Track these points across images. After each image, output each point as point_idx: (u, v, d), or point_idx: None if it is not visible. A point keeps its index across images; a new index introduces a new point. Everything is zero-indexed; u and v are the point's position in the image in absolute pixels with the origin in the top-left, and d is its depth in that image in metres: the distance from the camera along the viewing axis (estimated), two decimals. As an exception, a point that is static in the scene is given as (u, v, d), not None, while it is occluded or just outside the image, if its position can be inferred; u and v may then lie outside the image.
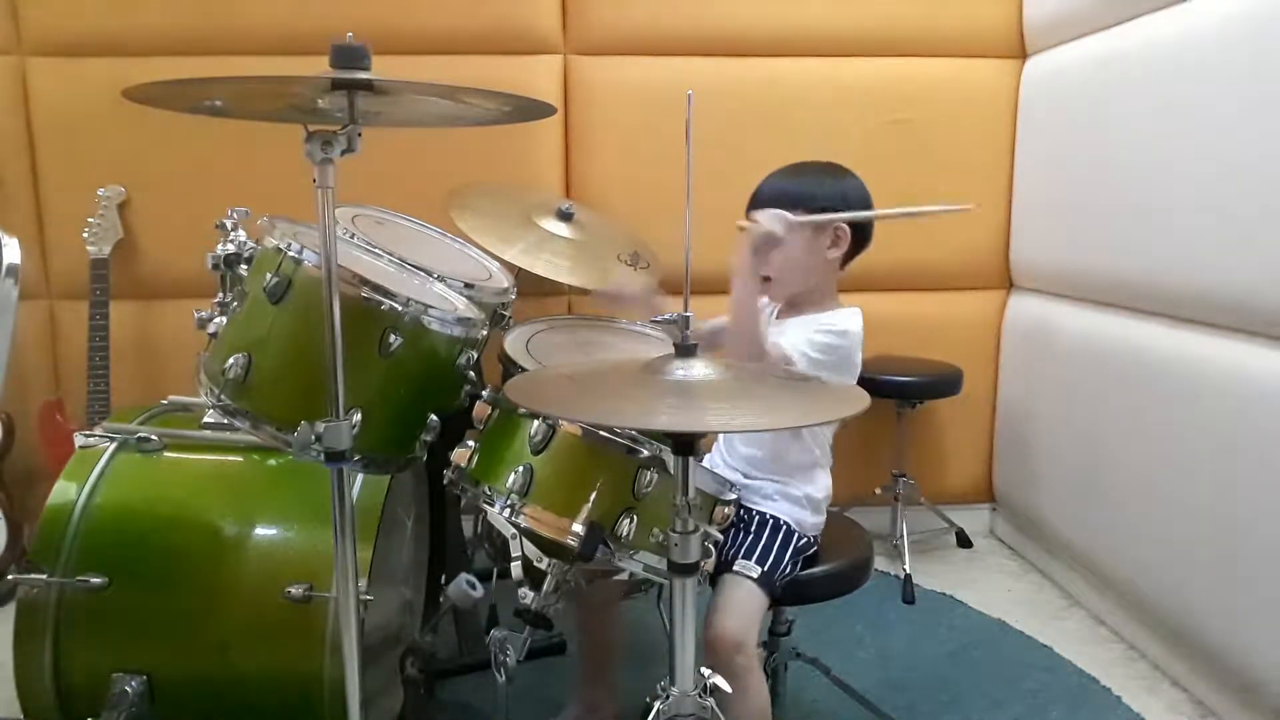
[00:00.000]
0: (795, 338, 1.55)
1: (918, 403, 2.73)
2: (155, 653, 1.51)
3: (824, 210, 1.58)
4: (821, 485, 1.67)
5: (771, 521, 1.60)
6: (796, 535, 1.60)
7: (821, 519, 1.68)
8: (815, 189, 1.61)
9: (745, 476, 1.66)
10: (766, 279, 1.61)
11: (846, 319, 1.62)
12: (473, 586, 1.42)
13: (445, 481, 1.45)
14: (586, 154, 2.70)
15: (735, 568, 1.53)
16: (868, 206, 1.64)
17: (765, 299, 1.69)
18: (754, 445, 1.66)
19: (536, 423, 1.36)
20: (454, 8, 2.59)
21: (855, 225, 1.61)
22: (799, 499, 1.63)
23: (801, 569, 1.61)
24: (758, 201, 1.62)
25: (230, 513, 1.56)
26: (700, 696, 1.19)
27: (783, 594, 1.58)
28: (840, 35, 2.71)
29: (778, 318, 1.70)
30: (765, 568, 1.54)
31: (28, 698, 1.51)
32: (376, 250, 1.72)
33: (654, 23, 2.66)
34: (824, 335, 1.55)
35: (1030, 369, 2.74)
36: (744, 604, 1.50)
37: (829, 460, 1.70)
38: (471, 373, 1.55)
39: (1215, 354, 1.92)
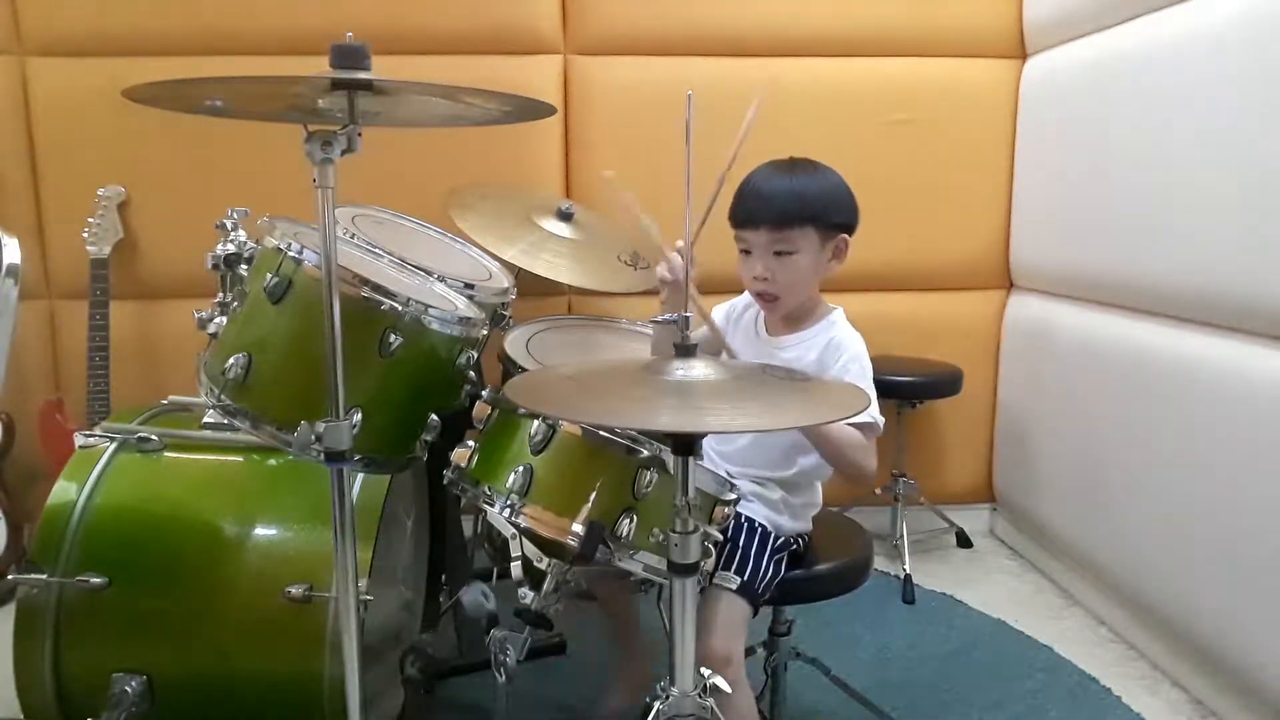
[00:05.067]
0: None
1: (918, 403, 2.73)
2: (155, 653, 1.50)
3: (835, 228, 1.55)
4: (809, 494, 1.64)
5: (747, 526, 1.56)
6: (773, 537, 1.57)
7: (803, 525, 1.64)
8: (829, 201, 1.55)
9: (726, 473, 1.59)
10: (763, 296, 1.58)
11: (844, 333, 1.58)
12: (486, 598, 1.43)
13: (445, 481, 1.45)
14: (586, 154, 2.69)
15: (715, 580, 1.50)
16: (857, 212, 1.59)
17: (758, 311, 1.64)
18: (760, 441, 1.61)
19: (536, 423, 1.35)
20: (454, 8, 2.59)
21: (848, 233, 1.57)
22: (775, 503, 1.60)
23: (787, 568, 1.59)
24: (760, 202, 1.54)
25: (230, 513, 1.56)
26: (700, 696, 1.19)
27: (769, 597, 1.57)
28: (840, 35, 2.71)
29: (770, 333, 1.64)
30: (745, 577, 1.51)
31: (28, 698, 1.51)
32: (376, 250, 1.72)
33: (654, 23, 2.66)
34: (855, 363, 1.54)
35: (1030, 369, 2.74)
36: (727, 619, 1.48)
37: (828, 473, 1.62)
38: (471, 372, 1.55)
39: (1215, 354, 1.92)
